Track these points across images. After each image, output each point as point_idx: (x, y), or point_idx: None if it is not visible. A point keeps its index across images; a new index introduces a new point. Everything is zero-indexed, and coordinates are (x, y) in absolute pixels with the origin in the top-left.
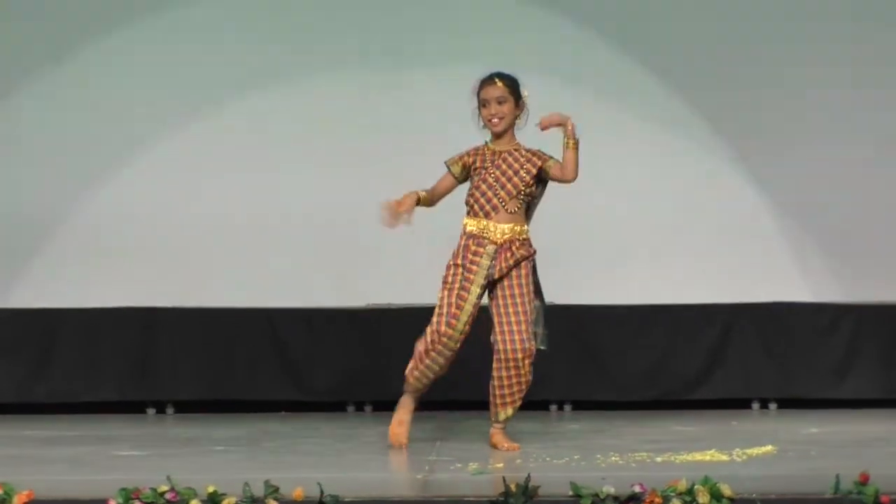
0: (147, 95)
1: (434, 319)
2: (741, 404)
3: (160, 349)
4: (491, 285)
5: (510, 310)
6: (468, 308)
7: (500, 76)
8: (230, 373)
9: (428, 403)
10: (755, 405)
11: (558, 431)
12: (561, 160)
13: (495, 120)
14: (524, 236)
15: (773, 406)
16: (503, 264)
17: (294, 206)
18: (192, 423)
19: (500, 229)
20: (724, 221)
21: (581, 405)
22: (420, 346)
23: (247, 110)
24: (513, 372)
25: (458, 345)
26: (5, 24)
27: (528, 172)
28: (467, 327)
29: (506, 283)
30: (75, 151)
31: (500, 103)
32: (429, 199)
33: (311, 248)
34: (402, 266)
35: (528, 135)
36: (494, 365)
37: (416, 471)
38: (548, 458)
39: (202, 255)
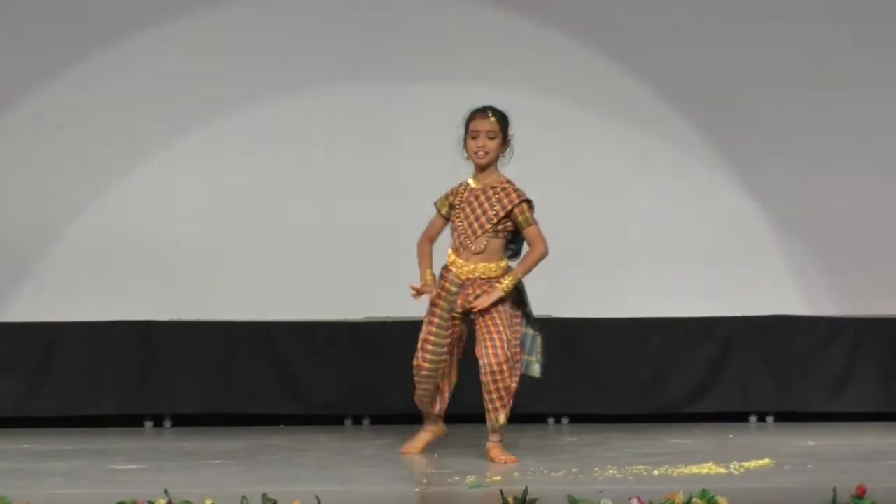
0: (145, 109)
1: (418, 351)
2: (738, 418)
3: (158, 363)
4: (468, 311)
5: (489, 325)
6: (438, 341)
7: (494, 111)
8: (228, 386)
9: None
10: (752, 418)
11: (556, 444)
12: (529, 240)
13: (481, 153)
14: (491, 274)
15: (770, 419)
16: (465, 301)
17: (293, 219)
18: (189, 436)
19: (468, 267)
20: (723, 235)
21: (578, 418)
22: (416, 377)
23: (245, 124)
24: (497, 377)
25: (439, 373)
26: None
27: (496, 214)
28: (444, 357)
29: (479, 317)
30: (74, 165)
31: (490, 138)
32: (431, 246)
33: (309, 261)
34: (401, 279)
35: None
36: (481, 378)
37: (414, 484)
38: (545, 471)
39: (200, 268)
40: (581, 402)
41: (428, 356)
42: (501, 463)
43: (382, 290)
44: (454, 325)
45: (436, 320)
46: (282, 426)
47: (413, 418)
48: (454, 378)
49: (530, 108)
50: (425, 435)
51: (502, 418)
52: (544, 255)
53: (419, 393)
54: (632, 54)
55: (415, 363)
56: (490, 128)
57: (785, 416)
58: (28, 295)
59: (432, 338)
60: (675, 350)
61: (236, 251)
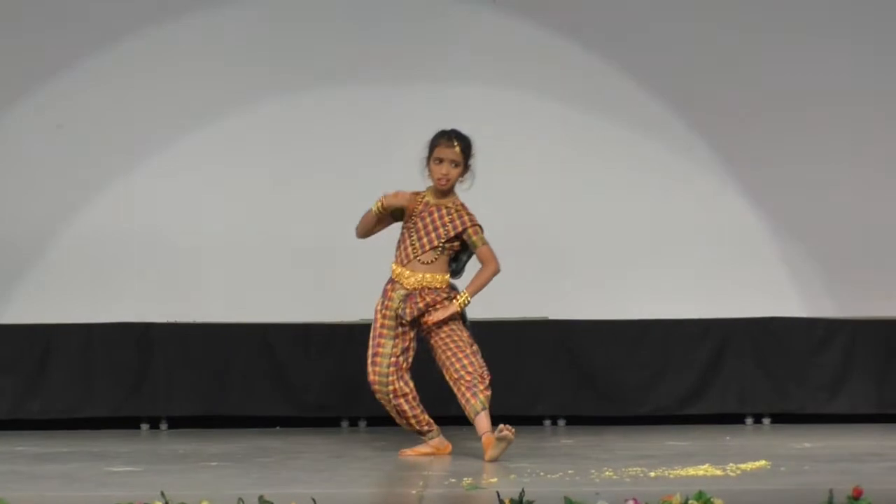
0: (143, 111)
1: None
2: (735, 419)
3: (154, 365)
4: (416, 326)
5: (449, 340)
6: (386, 352)
7: (459, 139)
8: (224, 388)
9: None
10: (749, 420)
11: (552, 446)
12: (480, 255)
13: (444, 181)
14: (436, 285)
15: (766, 421)
16: (411, 308)
17: (289, 221)
18: (186, 438)
19: (415, 277)
20: (719, 237)
21: (575, 420)
22: None
23: (242, 126)
24: (476, 379)
25: (390, 387)
26: None
27: (447, 232)
28: (390, 369)
29: (433, 329)
30: (72, 166)
31: (453, 166)
32: (372, 220)
33: (305, 263)
34: None
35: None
36: (453, 388)
37: (411, 486)
38: (542, 473)
39: (197, 270)
40: (577, 404)
41: (377, 368)
42: (501, 434)
43: (378, 292)
44: (403, 335)
45: (385, 332)
46: (278, 428)
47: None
48: (411, 386)
49: (527, 109)
50: (424, 448)
51: (483, 399)
52: (496, 271)
53: (391, 414)
54: (629, 56)
55: (369, 380)
56: (454, 157)
57: (781, 418)
58: (25, 297)
59: (381, 349)
60: (671, 352)
61: (232, 253)
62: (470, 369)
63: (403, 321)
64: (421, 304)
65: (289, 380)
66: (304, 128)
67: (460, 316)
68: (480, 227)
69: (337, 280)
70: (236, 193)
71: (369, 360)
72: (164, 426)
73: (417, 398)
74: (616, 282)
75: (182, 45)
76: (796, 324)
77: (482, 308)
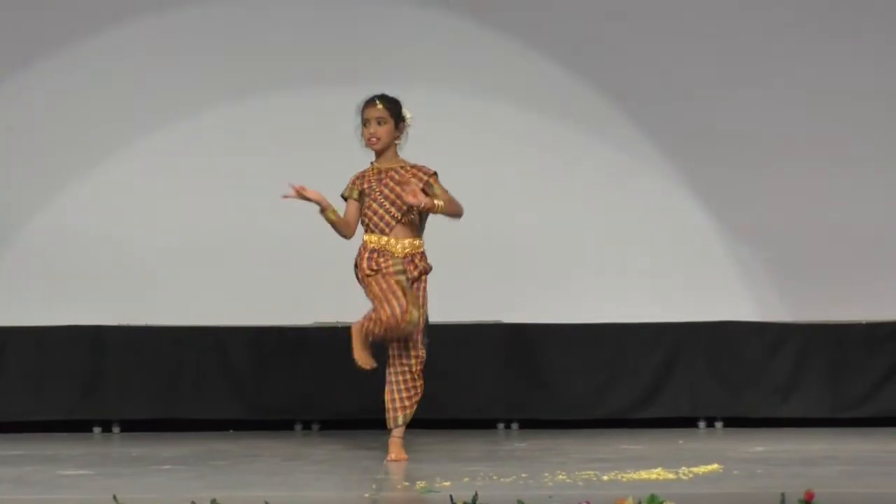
0: (93, 113)
1: (389, 306)
2: (688, 423)
3: (107, 368)
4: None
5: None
6: (402, 290)
7: (381, 98)
8: (177, 392)
9: (376, 422)
10: (702, 424)
11: (505, 450)
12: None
13: (374, 140)
14: (422, 249)
15: (719, 425)
16: (415, 273)
17: (242, 224)
18: (138, 442)
19: (401, 244)
20: (672, 241)
21: (528, 424)
22: (376, 329)
23: (196, 128)
24: (408, 377)
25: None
26: None
27: (406, 182)
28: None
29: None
30: (22, 169)
31: (379, 124)
32: (342, 226)
33: (258, 266)
34: (350, 285)
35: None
36: (390, 371)
37: (364, 489)
38: (495, 477)
39: (151, 274)
40: (530, 408)
41: (397, 301)
42: (391, 460)
43: (332, 295)
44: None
45: (395, 278)
46: (231, 432)
47: (364, 424)
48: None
49: (478, 112)
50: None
51: (406, 416)
52: (461, 210)
53: (378, 335)
54: (581, 59)
55: (391, 314)
56: (378, 114)
57: (734, 422)
58: None
59: (398, 288)
60: (624, 355)
61: (185, 257)
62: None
63: (409, 276)
64: (416, 272)
65: (242, 383)
66: (260, 131)
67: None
68: (436, 173)
69: (291, 284)
70: (191, 196)
71: (388, 298)
72: (116, 429)
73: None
74: (569, 285)
75: (138, 46)
76: (749, 328)
77: (435, 311)
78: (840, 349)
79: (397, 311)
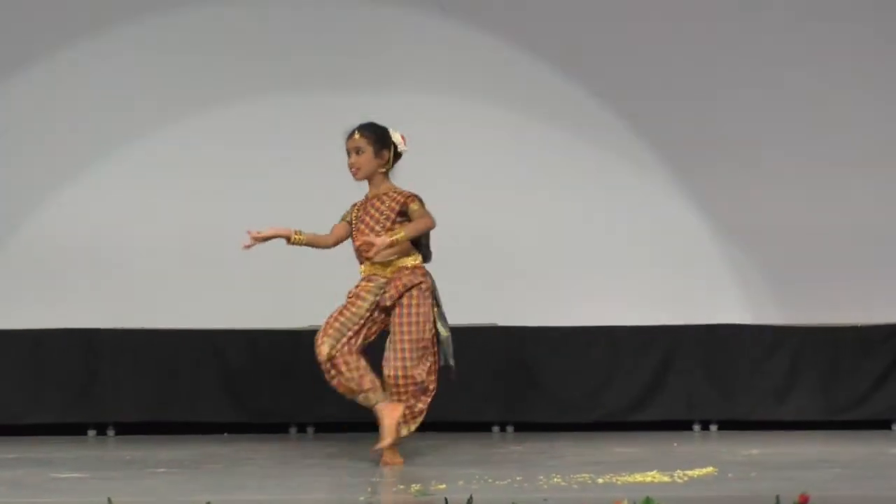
0: (90, 118)
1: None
2: (682, 426)
3: (102, 371)
4: (386, 312)
5: (395, 337)
6: (345, 325)
7: (360, 128)
8: (172, 395)
9: (371, 426)
10: (696, 427)
11: (500, 453)
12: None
13: (354, 170)
14: (411, 264)
15: (714, 428)
16: (392, 291)
17: (236, 227)
18: (133, 445)
19: (390, 268)
20: (667, 244)
21: (523, 427)
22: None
23: (185, 133)
24: (396, 392)
25: (335, 353)
26: None
27: (392, 210)
28: (343, 339)
29: (396, 310)
30: (16, 174)
31: (357, 153)
32: (317, 242)
33: (253, 270)
34: (344, 288)
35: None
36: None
37: (359, 492)
38: (490, 480)
39: (145, 277)
40: (526, 411)
41: (329, 331)
42: (385, 464)
43: (325, 299)
44: (371, 322)
45: (352, 309)
46: (226, 435)
47: (357, 426)
48: (356, 357)
49: (472, 116)
50: (389, 439)
51: (404, 431)
52: (432, 225)
53: (331, 383)
54: (574, 62)
55: (316, 340)
56: (355, 145)
57: (728, 425)
58: None
59: (340, 319)
60: (619, 358)
61: (180, 260)
62: (392, 380)
63: (384, 303)
64: (401, 288)
65: (237, 386)
66: (258, 133)
67: (420, 315)
68: (420, 198)
69: (286, 287)
70: (186, 200)
71: (323, 326)
72: (111, 432)
73: (363, 367)
74: (564, 289)
75: (131, 49)
76: (744, 331)
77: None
78: (834, 352)
79: (317, 335)
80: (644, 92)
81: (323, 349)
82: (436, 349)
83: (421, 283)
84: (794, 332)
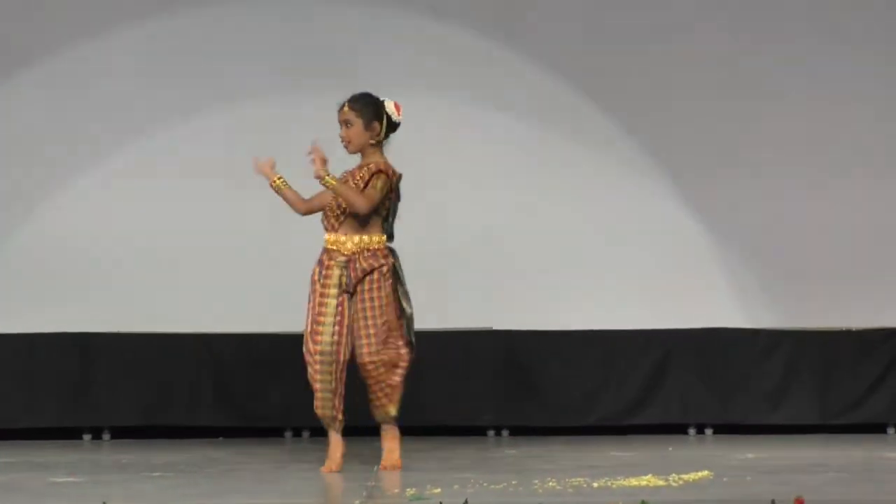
0: (77, 122)
1: (304, 340)
2: (678, 430)
3: (97, 375)
4: (350, 296)
5: (360, 323)
6: (329, 320)
7: (350, 100)
8: (167, 399)
9: (365, 429)
10: (692, 431)
11: (496, 457)
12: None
13: (344, 143)
14: (373, 247)
15: (709, 431)
16: (352, 274)
17: (233, 231)
18: (129, 449)
19: (352, 240)
20: (663, 248)
21: (518, 430)
22: (310, 374)
23: (179, 136)
24: (369, 376)
25: (337, 357)
26: None
27: (362, 180)
28: (337, 338)
29: (358, 296)
30: (9, 178)
31: (347, 126)
32: (292, 203)
33: (249, 273)
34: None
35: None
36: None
37: (354, 496)
38: (485, 484)
39: (140, 280)
40: (521, 415)
41: (318, 337)
42: (386, 463)
43: None
44: (346, 305)
45: (325, 300)
46: (221, 439)
47: (354, 431)
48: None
49: (468, 118)
50: (335, 453)
51: (391, 410)
52: (360, 205)
53: (320, 395)
54: (570, 64)
55: (306, 350)
56: (344, 117)
57: (724, 429)
58: None
59: (323, 318)
60: (614, 362)
61: (175, 263)
62: (361, 364)
63: (349, 289)
64: (359, 272)
65: (232, 390)
66: (254, 135)
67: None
68: (388, 175)
69: (281, 290)
70: (181, 203)
71: (308, 330)
72: (106, 436)
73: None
74: (559, 292)
75: (125, 53)
76: (739, 334)
77: (426, 318)
78: (830, 356)
79: (309, 345)
80: (643, 95)
81: (312, 349)
82: (401, 323)
83: (382, 265)
84: (790, 336)
